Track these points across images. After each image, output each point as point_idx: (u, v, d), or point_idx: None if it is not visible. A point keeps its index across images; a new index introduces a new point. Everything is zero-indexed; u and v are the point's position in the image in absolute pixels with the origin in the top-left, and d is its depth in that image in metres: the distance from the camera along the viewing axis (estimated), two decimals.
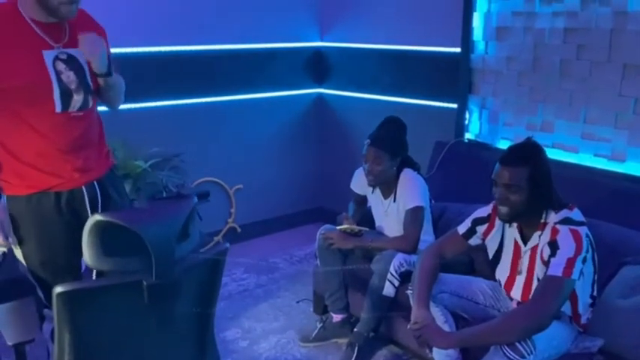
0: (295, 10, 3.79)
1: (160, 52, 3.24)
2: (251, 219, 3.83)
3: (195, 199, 1.32)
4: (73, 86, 1.74)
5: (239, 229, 3.79)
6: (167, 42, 3.26)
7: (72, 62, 1.75)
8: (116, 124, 2.93)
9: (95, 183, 1.87)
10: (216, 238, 3.70)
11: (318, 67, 3.94)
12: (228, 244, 1.46)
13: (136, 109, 3.17)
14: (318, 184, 4.14)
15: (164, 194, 2.99)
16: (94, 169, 1.87)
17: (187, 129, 3.43)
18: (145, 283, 1.23)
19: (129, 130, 2.97)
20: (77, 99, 1.76)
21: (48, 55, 1.70)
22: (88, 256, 1.19)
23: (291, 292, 3.13)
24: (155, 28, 3.20)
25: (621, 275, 1.96)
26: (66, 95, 1.73)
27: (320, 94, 4.04)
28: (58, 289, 1.18)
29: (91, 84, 1.80)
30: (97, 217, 1.19)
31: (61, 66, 1.72)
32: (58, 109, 1.73)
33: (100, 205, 1.87)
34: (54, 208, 1.78)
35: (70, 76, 1.74)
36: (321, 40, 3.93)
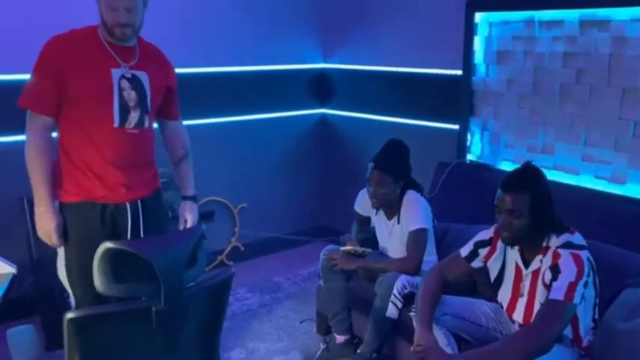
0: (300, 33, 3.85)
1: None
2: (255, 238, 3.86)
3: (203, 226, 1.36)
4: (132, 103, 1.92)
5: (242, 248, 3.82)
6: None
7: (135, 82, 1.93)
8: None
9: (139, 202, 2.00)
10: (219, 257, 3.73)
11: (321, 88, 4.00)
12: (234, 269, 1.49)
13: None
14: (321, 203, 4.17)
15: (169, 214, 3.01)
16: (141, 187, 2.02)
17: (193, 149, 3.46)
18: (153, 308, 1.26)
19: None
20: (134, 115, 1.93)
21: (115, 73, 1.90)
22: (98, 282, 1.22)
23: (295, 312, 3.15)
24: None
25: (622, 298, 1.98)
26: (124, 110, 1.91)
27: (323, 115, 4.09)
28: (69, 315, 1.21)
29: (149, 105, 1.97)
30: (108, 244, 1.23)
31: (125, 84, 1.90)
32: (116, 123, 1.90)
33: (141, 224, 2.00)
34: (98, 218, 1.94)
35: (130, 94, 1.91)
36: (325, 62, 3.99)
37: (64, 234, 1.94)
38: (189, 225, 2.18)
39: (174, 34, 3.28)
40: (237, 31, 3.54)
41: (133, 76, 1.93)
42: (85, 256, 1.84)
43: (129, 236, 1.98)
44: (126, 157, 1.94)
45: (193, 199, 2.25)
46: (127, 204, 1.97)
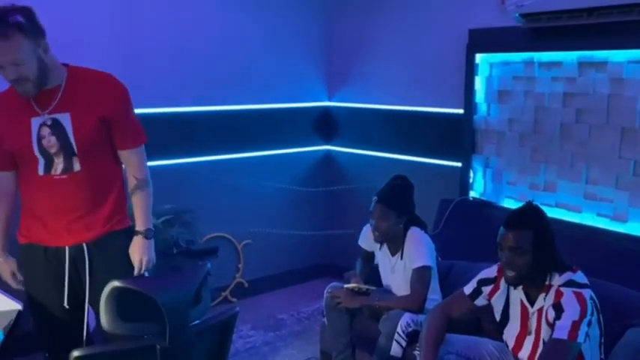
0: (305, 72, 3.95)
1: (172, 113, 3.37)
2: (259, 274, 3.86)
3: (209, 265, 1.38)
4: (53, 150, 1.86)
5: (246, 285, 3.81)
6: (180, 103, 3.40)
7: (56, 127, 1.86)
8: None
9: (84, 245, 1.92)
10: (223, 294, 3.72)
11: (326, 125, 4.07)
12: (238, 308, 1.50)
13: (149, 167, 3.26)
14: (325, 239, 4.18)
15: (174, 250, 3.03)
16: (85, 232, 1.93)
17: (199, 185, 3.51)
18: (158, 347, 1.27)
19: None
20: (58, 162, 1.87)
21: (34, 122, 1.85)
22: (104, 321, 1.24)
23: (298, 351, 3.12)
24: (168, 90, 3.34)
25: (627, 338, 1.97)
26: (47, 159, 1.87)
27: (328, 151, 4.14)
28: (75, 353, 1.23)
29: (75, 147, 1.87)
30: (115, 283, 1.25)
31: (45, 131, 1.85)
32: (41, 172, 1.88)
33: (87, 268, 1.92)
34: (43, 257, 1.94)
35: (50, 141, 1.85)
36: (330, 100, 4.07)
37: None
38: (141, 266, 1.97)
39: (185, 74, 3.38)
40: (246, 71, 3.63)
41: (54, 120, 1.84)
42: (32, 290, 1.98)
43: (66, 280, 1.93)
44: (60, 203, 1.89)
45: (144, 234, 1.99)
46: (67, 248, 1.92)
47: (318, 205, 4.13)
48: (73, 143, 1.86)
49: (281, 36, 3.76)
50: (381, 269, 2.71)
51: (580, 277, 1.89)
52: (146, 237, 1.99)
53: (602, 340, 1.92)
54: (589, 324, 1.80)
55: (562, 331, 1.76)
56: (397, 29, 3.54)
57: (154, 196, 3.13)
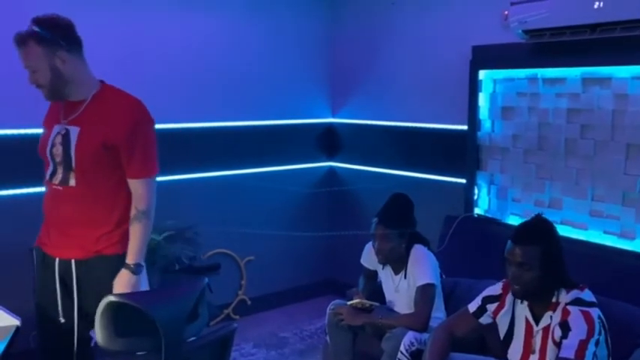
0: (308, 89, 3.96)
1: (175, 129, 3.37)
2: (261, 291, 3.82)
3: (206, 280, 1.36)
4: (58, 159, 1.91)
5: (249, 302, 3.78)
6: (183, 119, 3.41)
7: (65, 137, 1.91)
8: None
9: (73, 262, 1.92)
10: (226, 311, 3.68)
11: (330, 141, 4.07)
12: (236, 324, 1.48)
13: None
14: (328, 256, 4.15)
15: (177, 267, 3.01)
16: (71, 249, 1.93)
17: (202, 201, 3.51)
18: None
19: None
20: (59, 171, 1.92)
21: (55, 128, 1.93)
22: (100, 337, 1.22)
23: None
24: (170, 106, 3.35)
25: (635, 358, 1.92)
26: (54, 166, 1.93)
27: (331, 168, 4.13)
28: None
29: (73, 163, 1.88)
30: (110, 298, 1.23)
31: (58, 139, 1.92)
32: (47, 177, 1.95)
33: (74, 286, 1.92)
34: (42, 262, 2.00)
35: (58, 150, 1.91)
36: (333, 116, 4.08)
37: None
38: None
39: (190, 91, 3.39)
40: (251, 87, 3.64)
41: (67, 131, 1.90)
42: (37, 293, 2.03)
43: (58, 293, 1.93)
44: (55, 212, 1.94)
45: (132, 268, 1.89)
46: (57, 259, 1.94)
47: (322, 222, 4.11)
48: (73, 158, 1.88)
49: (285, 52, 3.78)
50: (384, 288, 2.67)
51: (587, 295, 1.85)
52: (133, 272, 1.88)
53: None
54: (597, 344, 1.76)
55: (569, 350, 1.73)
56: (401, 45, 3.55)
57: (157, 211, 3.15)
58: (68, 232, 1.92)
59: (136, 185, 1.95)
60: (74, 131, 1.89)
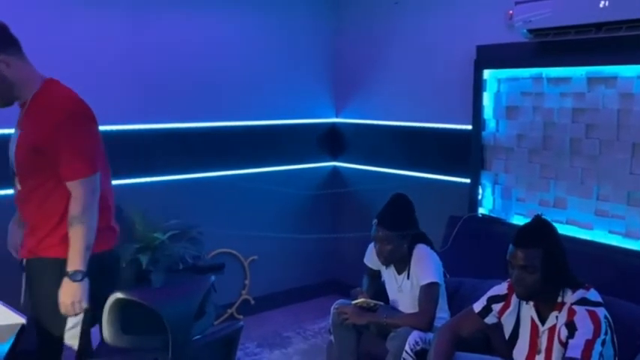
0: (312, 89, 3.96)
1: (180, 128, 3.38)
2: (265, 291, 3.82)
3: (212, 278, 1.36)
4: (13, 164, 1.92)
5: (253, 301, 3.77)
6: (189, 118, 3.41)
7: (13, 143, 1.91)
8: (137, 197, 3.06)
9: (25, 262, 1.95)
10: (229, 311, 3.68)
11: (333, 141, 4.07)
12: (242, 323, 1.48)
13: (156, 182, 3.28)
14: (332, 256, 4.15)
15: (180, 266, 3.01)
16: (24, 248, 1.96)
17: (206, 201, 3.51)
18: None
19: (149, 202, 3.06)
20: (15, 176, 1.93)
21: (14, 134, 1.92)
22: (107, 333, 1.22)
23: None
24: (177, 106, 3.36)
25: None
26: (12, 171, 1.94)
27: (335, 167, 4.13)
28: None
29: (13, 167, 1.91)
30: (118, 294, 1.23)
31: (12, 144, 1.92)
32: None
33: (23, 283, 1.95)
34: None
35: (12, 155, 1.92)
36: (337, 116, 4.08)
37: None
38: (64, 309, 1.79)
39: (194, 91, 3.40)
40: (254, 87, 3.64)
41: (16, 135, 1.91)
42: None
43: (22, 290, 1.95)
44: (19, 213, 2.00)
45: (70, 275, 1.78)
46: (23, 260, 1.97)
47: (326, 221, 4.10)
48: (13, 162, 1.91)
49: (288, 52, 3.78)
50: (387, 288, 2.67)
51: (593, 295, 1.85)
52: (71, 279, 1.77)
53: None
54: (603, 343, 1.76)
55: (575, 350, 1.72)
56: (405, 45, 3.55)
57: (161, 211, 3.17)
58: (26, 233, 1.97)
59: (71, 187, 1.83)
60: (15, 136, 1.90)
